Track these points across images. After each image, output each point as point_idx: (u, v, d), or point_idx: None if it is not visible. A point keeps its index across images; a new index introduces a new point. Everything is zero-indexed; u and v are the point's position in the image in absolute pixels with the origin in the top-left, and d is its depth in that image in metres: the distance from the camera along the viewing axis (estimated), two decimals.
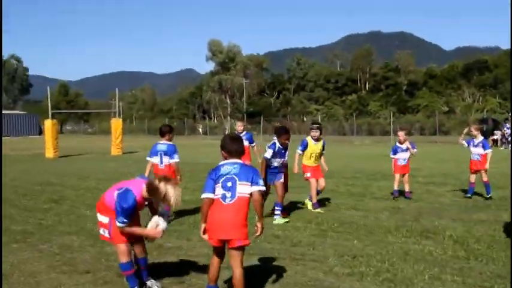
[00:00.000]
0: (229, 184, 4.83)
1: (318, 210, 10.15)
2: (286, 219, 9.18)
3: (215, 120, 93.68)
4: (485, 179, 11.52)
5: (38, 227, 8.84)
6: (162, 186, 5.08)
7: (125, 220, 5.11)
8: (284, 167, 9.54)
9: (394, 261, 6.41)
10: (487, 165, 11.58)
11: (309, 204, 10.55)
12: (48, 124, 29.15)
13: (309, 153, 10.50)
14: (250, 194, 4.85)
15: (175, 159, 9.27)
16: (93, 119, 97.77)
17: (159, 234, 5.33)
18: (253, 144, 12.60)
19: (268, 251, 6.99)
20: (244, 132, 12.51)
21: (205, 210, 4.87)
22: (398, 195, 11.57)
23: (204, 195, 4.89)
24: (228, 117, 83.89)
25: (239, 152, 5.04)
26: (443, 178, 15.51)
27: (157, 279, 5.67)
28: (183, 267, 6.29)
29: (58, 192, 13.00)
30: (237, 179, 4.83)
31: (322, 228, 8.52)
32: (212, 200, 4.85)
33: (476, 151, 11.74)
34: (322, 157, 10.70)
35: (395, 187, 11.68)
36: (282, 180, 9.43)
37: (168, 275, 5.97)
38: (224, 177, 4.85)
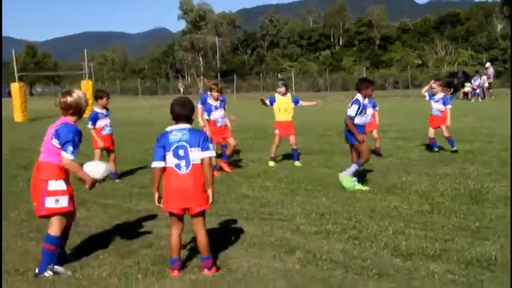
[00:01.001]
0: (181, 152, 4.70)
1: (272, 163, 10.77)
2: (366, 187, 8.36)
3: (189, 79, 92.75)
4: (446, 134, 11.67)
5: (6, 194, 8.74)
6: (70, 97, 5.03)
7: (74, 150, 4.87)
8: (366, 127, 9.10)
9: (360, 218, 6.53)
10: (448, 122, 11.71)
11: (271, 163, 10.86)
12: (15, 87, 28.51)
13: (277, 107, 10.96)
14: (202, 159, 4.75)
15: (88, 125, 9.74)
16: (65, 81, 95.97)
17: (93, 180, 5.05)
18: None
19: (237, 212, 7.04)
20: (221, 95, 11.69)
21: (156, 179, 4.79)
22: None
23: (154, 164, 4.77)
24: (202, 77, 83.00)
25: (186, 117, 4.84)
26: (412, 133, 15.72)
27: (125, 241, 5.69)
28: (152, 231, 6.32)
29: (26, 158, 12.80)
30: (188, 146, 4.71)
31: (291, 187, 8.60)
32: (163, 169, 4.75)
33: (437, 107, 11.86)
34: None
35: None
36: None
37: (137, 238, 6.00)
38: (174, 146, 4.71)
